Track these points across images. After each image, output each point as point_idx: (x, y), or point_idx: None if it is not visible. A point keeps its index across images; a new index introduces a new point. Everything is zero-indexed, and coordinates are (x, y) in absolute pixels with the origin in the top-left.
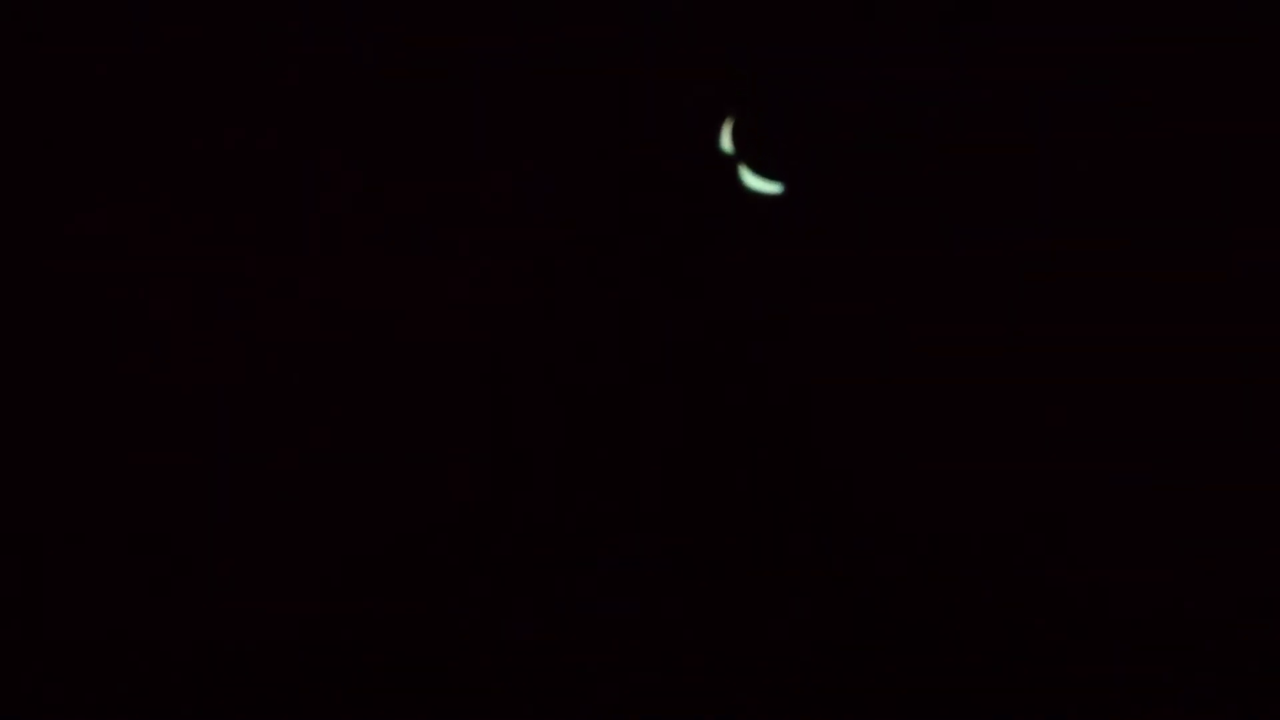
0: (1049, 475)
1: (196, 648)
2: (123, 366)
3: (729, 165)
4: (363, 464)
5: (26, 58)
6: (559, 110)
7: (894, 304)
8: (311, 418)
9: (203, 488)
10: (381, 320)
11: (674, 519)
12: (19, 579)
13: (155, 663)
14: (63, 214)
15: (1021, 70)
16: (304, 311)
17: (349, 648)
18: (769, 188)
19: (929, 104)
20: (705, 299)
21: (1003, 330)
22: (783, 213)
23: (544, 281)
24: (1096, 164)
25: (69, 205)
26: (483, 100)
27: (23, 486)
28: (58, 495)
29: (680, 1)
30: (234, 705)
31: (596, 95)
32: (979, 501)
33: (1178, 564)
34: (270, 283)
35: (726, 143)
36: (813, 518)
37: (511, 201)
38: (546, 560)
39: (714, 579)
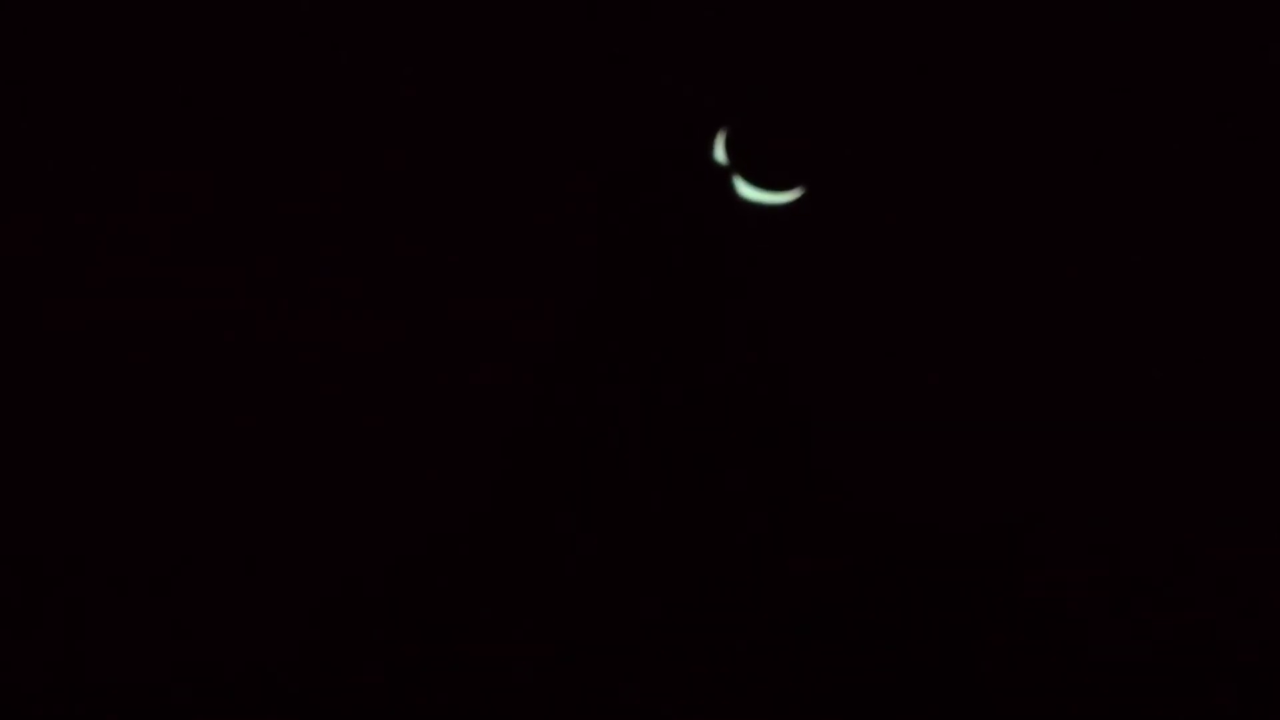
0: (1048, 476)
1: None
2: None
3: (723, 175)
4: (363, 470)
5: None
6: (551, 124)
7: (890, 308)
8: (310, 425)
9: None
10: (378, 324)
11: (673, 521)
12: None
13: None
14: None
15: (1016, 82)
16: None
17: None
18: (763, 197)
19: (921, 112)
20: (700, 306)
21: (999, 335)
22: (777, 221)
23: (540, 291)
24: (1089, 171)
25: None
26: (471, 115)
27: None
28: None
29: (670, 16)
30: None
31: (591, 108)
32: (978, 503)
33: (1175, 564)
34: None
35: (720, 153)
36: (813, 521)
37: (505, 217)
38: (547, 567)
39: (712, 581)
